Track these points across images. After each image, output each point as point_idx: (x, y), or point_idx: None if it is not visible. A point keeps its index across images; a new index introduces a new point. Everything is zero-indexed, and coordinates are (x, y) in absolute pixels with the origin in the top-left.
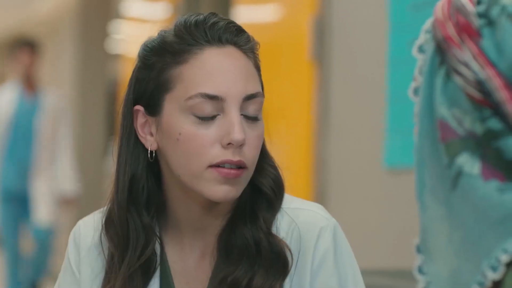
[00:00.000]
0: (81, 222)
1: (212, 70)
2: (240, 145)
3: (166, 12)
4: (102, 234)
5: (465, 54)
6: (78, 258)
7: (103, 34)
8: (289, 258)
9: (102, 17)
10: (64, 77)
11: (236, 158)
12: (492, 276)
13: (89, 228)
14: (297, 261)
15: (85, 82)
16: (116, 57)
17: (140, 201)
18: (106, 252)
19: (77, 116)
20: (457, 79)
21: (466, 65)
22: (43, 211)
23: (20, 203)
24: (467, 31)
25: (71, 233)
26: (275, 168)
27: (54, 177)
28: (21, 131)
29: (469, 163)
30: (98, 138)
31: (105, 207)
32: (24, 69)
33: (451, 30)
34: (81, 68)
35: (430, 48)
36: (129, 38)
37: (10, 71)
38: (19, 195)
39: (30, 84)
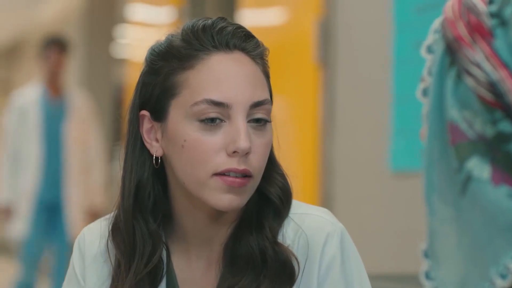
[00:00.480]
0: (86, 230)
1: (219, 76)
2: (246, 153)
3: (171, 16)
4: (109, 241)
5: (477, 54)
6: (83, 266)
7: (108, 38)
8: (296, 267)
9: (107, 21)
10: (70, 81)
11: (241, 166)
12: (501, 284)
13: (94, 236)
14: (304, 268)
15: (91, 87)
16: (122, 61)
17: (146, 208)
18: (113, 259)
19: None
20: (469, 80)
21: (478, 65)
22: (74, 223)
23: (52, 213)
24: (479, 31)
25: (76, 241)
26: (283, 176)
27: (87, 188)
28: (48, 137)
29: (479, 168)
30: (104, 143)
31: (111, 214)
32: (51, 68)
33: (462, 30)
34: (86, 73)
35: (439, 48)
36: (135, 42)
37: (17, 75)
38: (51, 205)
39: (54, 85)
